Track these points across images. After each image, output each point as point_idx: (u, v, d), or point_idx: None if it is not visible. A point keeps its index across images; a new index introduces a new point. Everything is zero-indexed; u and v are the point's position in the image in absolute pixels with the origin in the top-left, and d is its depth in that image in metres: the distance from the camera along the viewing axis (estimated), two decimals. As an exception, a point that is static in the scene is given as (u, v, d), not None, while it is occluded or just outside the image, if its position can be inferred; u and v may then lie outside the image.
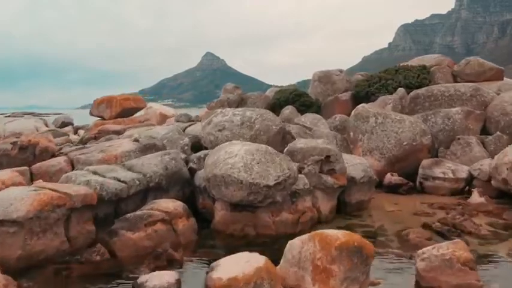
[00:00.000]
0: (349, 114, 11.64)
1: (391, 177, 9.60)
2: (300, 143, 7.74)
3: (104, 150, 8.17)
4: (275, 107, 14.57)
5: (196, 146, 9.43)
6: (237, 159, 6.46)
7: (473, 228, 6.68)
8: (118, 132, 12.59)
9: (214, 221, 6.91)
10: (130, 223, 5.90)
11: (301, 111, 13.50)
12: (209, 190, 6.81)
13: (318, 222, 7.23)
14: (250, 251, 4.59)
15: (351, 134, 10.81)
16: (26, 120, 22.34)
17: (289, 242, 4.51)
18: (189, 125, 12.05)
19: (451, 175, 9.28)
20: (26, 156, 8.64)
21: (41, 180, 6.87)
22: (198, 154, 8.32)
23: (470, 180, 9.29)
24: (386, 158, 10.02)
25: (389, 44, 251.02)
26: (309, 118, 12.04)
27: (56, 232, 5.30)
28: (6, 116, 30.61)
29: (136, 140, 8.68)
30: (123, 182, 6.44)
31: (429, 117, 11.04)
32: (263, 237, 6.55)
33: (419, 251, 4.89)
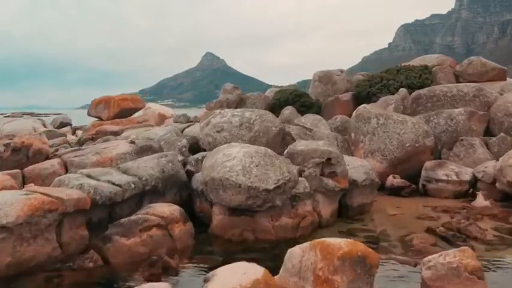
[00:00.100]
0: (350, 115, 11.44)
1: (393, 180, 9.40)
2: (300, 145, 7.55)
3: (99, 153, 7.98)
4: (275, 107, 14.35)
5: (195, 147, 9.24)
6: (235, 162, 6.26)
7: (479, 233, 6.48)
8: (116, 133, 12.43)
9: (212, 225, 6.72)
10: (125, 228, 5.71)
11: (302, 112, 13.28)
12: (207, 194, 6.62)
13: (319, 227, 7.05)
14: (249, 256, 4.40)
15: (352, 135, 10.62)
16: (24, 120, 22.20)
17: (289, 250, 4.31)
18: (188, 126, 11.88)
19: (454, 177, 9.09)
20: (19, 159, 8.44)
21: (32, 184, 6.68)
22: (196, 156, 8.14)
23: (474, 182, 9.09)
24: (388, 159, 9.82)
25: (390, 44, 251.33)
26: (309, 119, 11.86)
27: (47, 238, 5.11)
28: (5, 116, 30.51)
29: (132, 142, 8.48)
30: (117, 185, 6.24)
31: (432, 118, 10.83)
32: (262, 242, 6.35)
33: (425, 259, 4.69)
